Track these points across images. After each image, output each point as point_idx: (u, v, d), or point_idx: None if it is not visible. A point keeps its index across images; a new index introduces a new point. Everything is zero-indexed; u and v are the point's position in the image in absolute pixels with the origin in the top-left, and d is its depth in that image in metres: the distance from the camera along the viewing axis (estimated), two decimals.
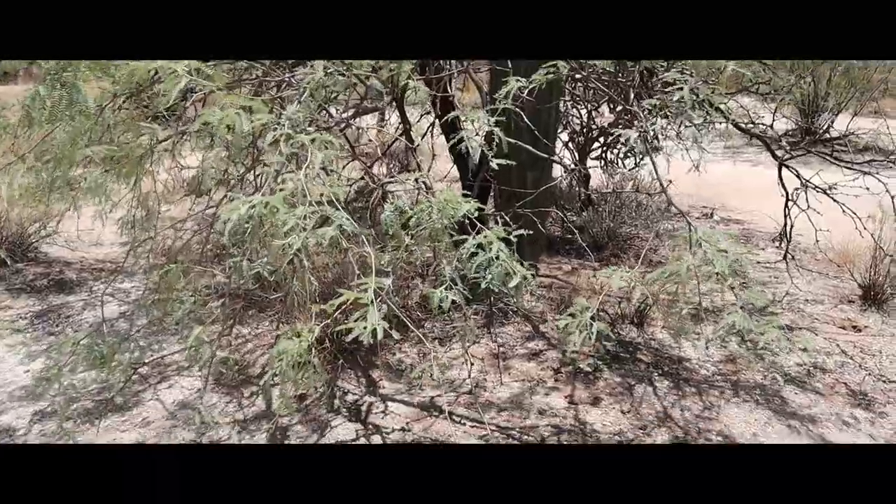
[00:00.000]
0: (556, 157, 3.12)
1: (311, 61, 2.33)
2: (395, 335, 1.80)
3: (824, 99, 9.01)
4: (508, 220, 2.75)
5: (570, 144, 6.64)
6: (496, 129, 2.38)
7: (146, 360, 3.44)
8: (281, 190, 1.94)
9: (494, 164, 2.31)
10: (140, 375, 3.46)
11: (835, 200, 4.27)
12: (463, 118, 2.49)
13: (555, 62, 2.56)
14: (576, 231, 5.67)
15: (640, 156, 6.55)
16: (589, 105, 6.44)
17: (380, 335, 1.72)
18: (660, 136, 5.45)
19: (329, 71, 2.27)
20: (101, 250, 5.64)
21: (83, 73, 2.64)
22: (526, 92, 2.46)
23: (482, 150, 2.38)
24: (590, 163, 6.66)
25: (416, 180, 2.28)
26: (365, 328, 1.70)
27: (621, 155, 6.92)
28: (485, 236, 2.14)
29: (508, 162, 2.36)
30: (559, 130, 5.55)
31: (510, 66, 2.83)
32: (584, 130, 6.60)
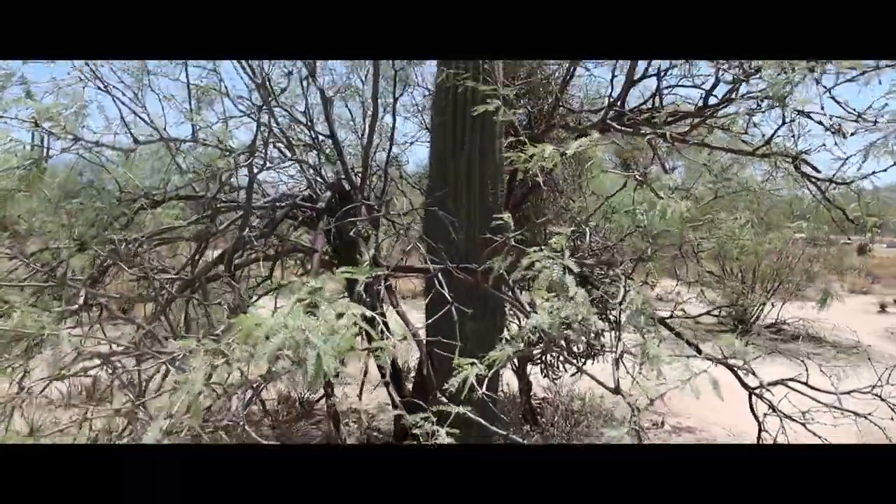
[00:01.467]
0: (504, 433, 2.61)
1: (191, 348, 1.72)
2: None
3: (751, 290, 9.10)
4: None
5: None
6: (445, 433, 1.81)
7: None
8: None
9: None
10: None
11: (812, 433, 3.83)
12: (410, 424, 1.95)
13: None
14: None
15: (583, 360, 6.15)
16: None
17: None
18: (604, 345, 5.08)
19: (216, 367, 1.66)
20: None
21: None
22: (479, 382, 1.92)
23: None
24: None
25: None
26: None
27: (561, 359, 6.48)
28: None
29: None
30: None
31: (457, 338, 2.34)
32: (523, 337, 6.16)
